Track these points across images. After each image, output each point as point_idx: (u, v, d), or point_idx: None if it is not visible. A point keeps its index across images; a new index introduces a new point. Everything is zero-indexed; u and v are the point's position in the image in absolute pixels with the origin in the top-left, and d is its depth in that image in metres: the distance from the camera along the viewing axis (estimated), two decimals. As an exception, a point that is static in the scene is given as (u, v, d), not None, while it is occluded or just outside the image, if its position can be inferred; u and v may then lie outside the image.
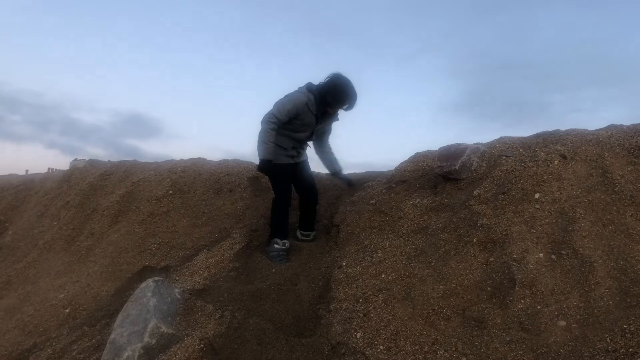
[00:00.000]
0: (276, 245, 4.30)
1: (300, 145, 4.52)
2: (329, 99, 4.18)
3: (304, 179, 4.65)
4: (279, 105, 4.17)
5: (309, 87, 4.25)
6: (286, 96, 4.23)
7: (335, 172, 4.88)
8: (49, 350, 3.55)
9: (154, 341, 3.03)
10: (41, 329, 3.96)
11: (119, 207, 5.38)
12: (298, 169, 4.56)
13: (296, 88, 4.31)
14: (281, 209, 4.44)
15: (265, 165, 4.18)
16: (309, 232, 4.70)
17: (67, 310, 4.09)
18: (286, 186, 4.49)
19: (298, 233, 4.70)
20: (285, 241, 4.37)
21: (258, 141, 4.16)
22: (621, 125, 4.12)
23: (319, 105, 4.22)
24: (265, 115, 4.16)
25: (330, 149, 4.81)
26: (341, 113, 4.43)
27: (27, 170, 8.53)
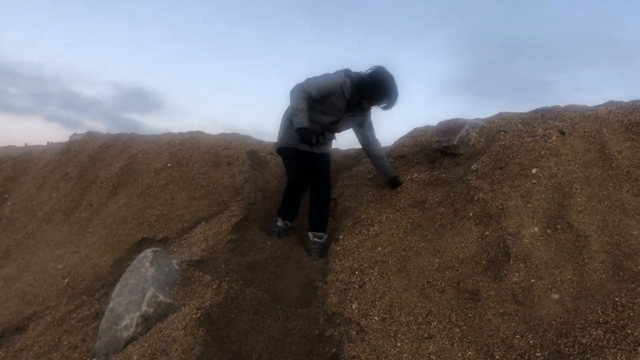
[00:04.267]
0: (278, 224, 4.28)
1: (322, 133, 4.16)
2: (368, 91, 3.87)
3: (318, 173, 4.21)
4: (311, 80, 3.84)
5: (347, 72, 3.94)
6: (322, 75, 3.92)
7: (391, 179, 4.27)
8: (48, 319, 3.60)
9: (151, 310, 3.07)
10: (40, 298, 4.00)
11: (117, 179, 5.38)
12: (315, 161, 4.22)
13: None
14: (292, 194, 4.15)
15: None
16: (321, 234, 4.10)
17: (66, 280, 4.12)
18: (301, 171, 4.10)
19: (310, 235, 4.09)
20: (288, 222, 4.29)
21: (292, 114, 3.79)
22: (620, 102, 4.11)
23: (354, 93, 3.90)
24: (294, 86, 3.80)
25: (378, 146, 4.31)
26: (376, 109, 4.09)
27: (26, 144, 8.48)
